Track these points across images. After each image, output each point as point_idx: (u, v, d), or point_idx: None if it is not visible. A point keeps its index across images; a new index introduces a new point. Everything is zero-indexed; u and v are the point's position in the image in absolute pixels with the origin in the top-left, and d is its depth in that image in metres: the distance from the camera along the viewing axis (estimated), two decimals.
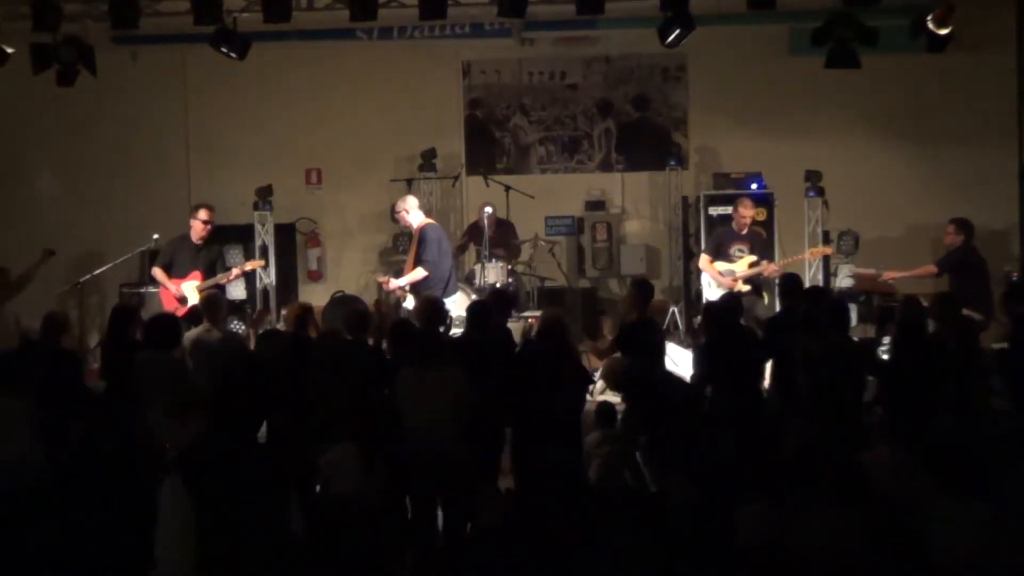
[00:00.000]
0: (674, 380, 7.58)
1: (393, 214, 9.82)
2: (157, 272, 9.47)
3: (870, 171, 11.78)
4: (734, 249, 9.82)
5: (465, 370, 6.30)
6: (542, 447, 6.19)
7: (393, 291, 9.39)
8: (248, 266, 10.04)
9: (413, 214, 9.30)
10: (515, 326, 8.66)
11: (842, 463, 5.13)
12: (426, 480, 6.01)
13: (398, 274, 9.59)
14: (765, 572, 4.38)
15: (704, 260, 9.97)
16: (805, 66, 10.65)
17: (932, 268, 9.75)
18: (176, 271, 9.46)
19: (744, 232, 9.88)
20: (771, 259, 10.07)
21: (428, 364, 6.21)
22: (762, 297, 9.75)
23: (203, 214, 9.49)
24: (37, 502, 5.25)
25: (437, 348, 6.46)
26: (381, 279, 9.74)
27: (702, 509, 5.13)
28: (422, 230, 9.18)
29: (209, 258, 9.62)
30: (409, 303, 9.06)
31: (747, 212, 9.89)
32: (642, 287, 7.79)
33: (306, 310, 7.54)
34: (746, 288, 9.55)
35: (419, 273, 9.03)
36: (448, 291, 9.05)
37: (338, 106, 12.31)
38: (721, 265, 9.81)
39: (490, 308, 7.31)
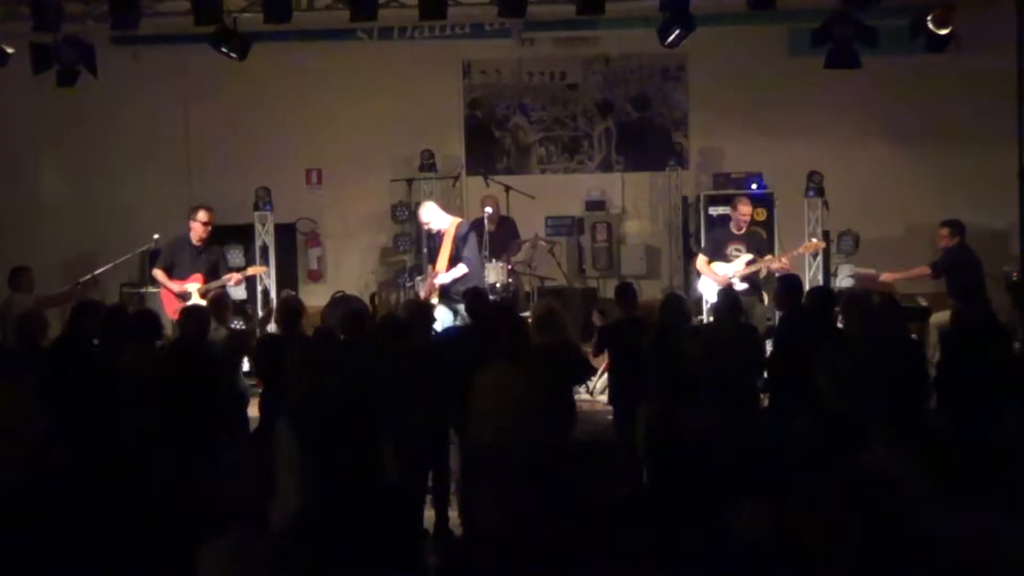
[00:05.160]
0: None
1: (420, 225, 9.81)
2: (158, 274, 9.45)
3: (870, 171, 11.78)
4: (731, 249, 9.77)
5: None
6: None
7: (431, 287, 9.37)
8: (251, 271, 10.07)
9: (438, 219, 9.32)
10: None
11: (843, 462, 5.13)
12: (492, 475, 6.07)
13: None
14: (762, 571, 4.38)
15: (701, 261, 9.92)
16: (805, 66, 10.65)
17: (926, 270, 9.80)
18: (177, 273, 9.44)
19: (741, 232, 9.83)
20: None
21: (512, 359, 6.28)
22: (762, 299, 9.69)
23: (203, 215, 9.46)
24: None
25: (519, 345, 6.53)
26: (433, 273, 9.63)
27: (698, 506, 5.13)
28: (458, 227, 9.24)
29: (210, 260, 9.60)
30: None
31: (746, 210, 9.83)
32: (621, 290, 7.88)
33: (297, 307, 7.44)
34: (743, 287, 9.50)
35: (461, 270, 9.10)
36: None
37: (338, 106, 12.32)
38: (718, 266, 9.79)
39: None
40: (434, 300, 9.14)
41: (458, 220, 9.40)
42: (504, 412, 6.09)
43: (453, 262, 9.14)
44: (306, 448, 4.61)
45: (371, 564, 4.62)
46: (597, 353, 7.89)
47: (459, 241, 9.15)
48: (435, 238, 9.41)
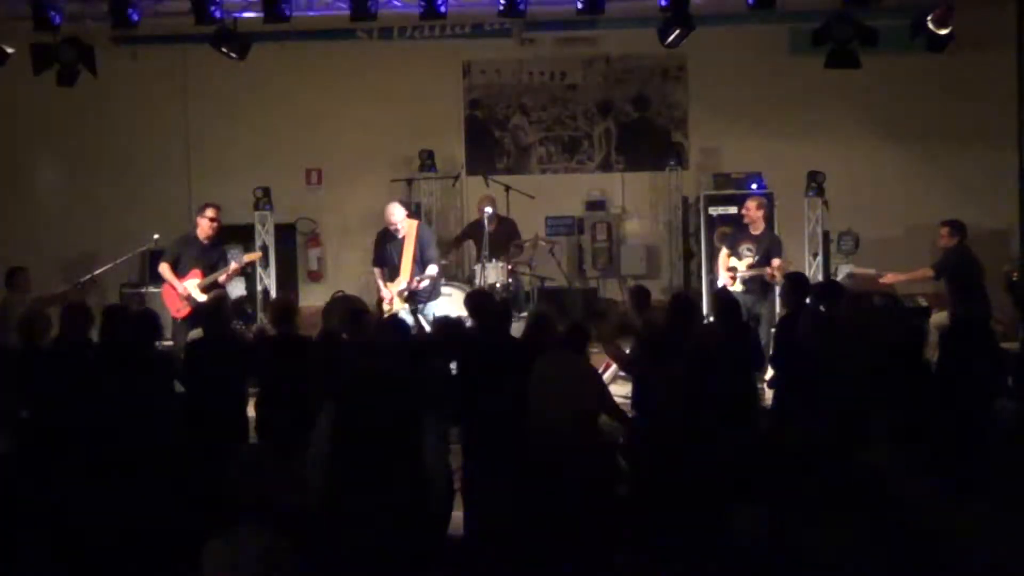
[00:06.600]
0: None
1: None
2: (164, 269, 9.43)
3: (870, 171, 11.78)
4: (743, 248, 9.76)
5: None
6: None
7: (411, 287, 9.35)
8: (246, 259, 10.03)
9: (400, 217, 9.33)
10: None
11: (846, 463, 5.13)
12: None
13: None
14: (762, 571, 4.39)
15: (723, 254, 9.93)
16: (805, 66, 10.64)
17: (928, 271, 9.79)
18: (180, 269, 9.45)
19: (755, 232, 9.77)
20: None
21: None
22: (767, 299, 9.64)
23: (210, 212, 9.48)
24: None
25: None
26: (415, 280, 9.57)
27: (698, 506, 5.13)
28: (420, 228, 9.27)
29: (213, 258, 9.61)
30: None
31: (749, 206, 9.84)
32: (638, 294, 7.83)
33: (290, 306, 7.44)
34: (739, 288, 9.49)
35: (433, 270, 9.17)
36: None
37: (338, 106, 12.31)
38: (732, 261, 9.78)
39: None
40: (397, 304, 9.14)
41: (416, 222, 9.46)
42: (563, 396, 6.23)
43: (420, 264, 9.17)
44: (343, 441, 4.82)
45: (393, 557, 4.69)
46: (631, 366, 7.73)
47: (422, 242, 9.18)
48: (394, 241, 9.34)
